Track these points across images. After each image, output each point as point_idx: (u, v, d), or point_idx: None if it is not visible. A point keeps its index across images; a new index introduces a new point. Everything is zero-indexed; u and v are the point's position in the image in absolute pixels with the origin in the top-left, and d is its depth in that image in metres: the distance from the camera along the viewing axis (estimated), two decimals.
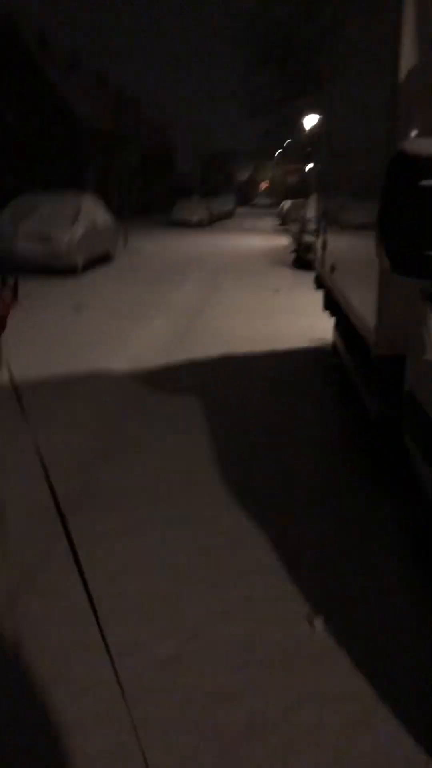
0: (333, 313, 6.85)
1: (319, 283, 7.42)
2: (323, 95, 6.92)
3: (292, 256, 18.46)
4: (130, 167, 22.68)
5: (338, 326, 5.93)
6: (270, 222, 45.26)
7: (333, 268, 5.51)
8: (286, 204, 39.23)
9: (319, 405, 5.57)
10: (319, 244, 7.01)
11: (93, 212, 15.16)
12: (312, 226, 14.94)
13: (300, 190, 47.37)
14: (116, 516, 3.66)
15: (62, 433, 4.71)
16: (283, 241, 25.69)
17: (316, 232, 7.38)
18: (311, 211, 15.52)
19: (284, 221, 37.27)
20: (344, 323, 5.39)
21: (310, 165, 36.96)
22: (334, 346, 6.62)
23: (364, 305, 3.85)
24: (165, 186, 56.20)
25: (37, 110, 36.21)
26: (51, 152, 36.19)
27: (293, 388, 6.04)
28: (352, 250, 4.30)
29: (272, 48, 23.23)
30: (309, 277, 13.59)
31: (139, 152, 22.01)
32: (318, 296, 8.08)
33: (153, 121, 52.37)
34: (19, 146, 34.07)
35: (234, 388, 5.99)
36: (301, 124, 27.51)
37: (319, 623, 2.72)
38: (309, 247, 14.93)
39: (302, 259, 15.43)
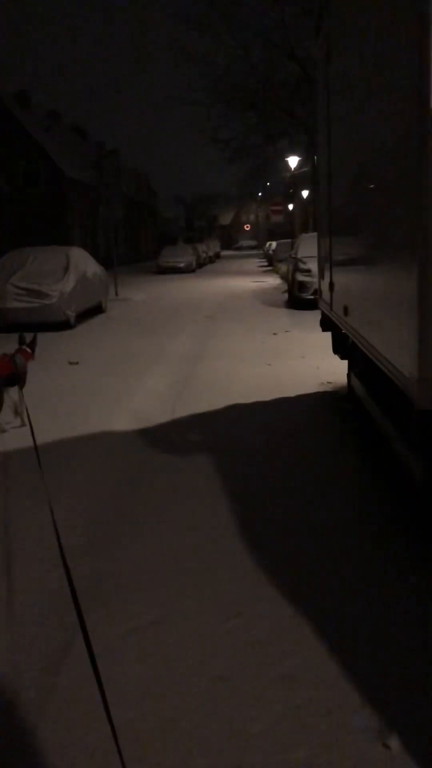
0: (344, 356, 6.51)
1: (326, 326, 7.09)
2: (318, 132, 6.69)
3: (285, 296, 18.29)
4: (115, 217, 22.60)
5: (355, 370, 5.56)
6: (256, 263, 45.57)
7: (347, 311, 5.16)
8: (272, 245, 39.51)
9: (344, 460, 5.14)
10: (324, 286, 6.69)
11: (82, 264, 14.92)
12: (304, 265, 14.81)
13: (284, 230, 47.88)
14: (139, 606, 3.21)
15: (73, 504, 4.29)
16: (272, 281, 25.65)
17: (320, 273, 7.07)
18: (303, 251, 15.39)
19: (271, 262, 37.44)
20: (364, 367, 5.02)
21: (291, 206, 37.36)
22: (350, 390, 6.24)
23: (397, 352, 3.47)
24: (150, 233, 56.67)
25: (21, 166, 36.54)
26: (36, 207, 36.40)
27: (311, 440, 5.63)
28: (377, 291, 3.94)
29: (250, 93, 23.50)
30: (305, 318, 13.41)
31: (123, 202, 22.02)
32: (319, 337, 7.74)
33: (135, 170, 53.10)
34: (4, 202, 34.21)
35: (245, 445, 5.57)
36: (283, 166, 27.77)
37: (395, 743, 2.26)
38: (303, 287, 14.77)
39: (296, 299, 15.21)
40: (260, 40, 21.74)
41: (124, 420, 6.38)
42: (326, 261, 6.40)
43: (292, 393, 7.21)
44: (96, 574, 3.53)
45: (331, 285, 6.10)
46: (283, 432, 5.82)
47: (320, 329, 7.51)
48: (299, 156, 25.74)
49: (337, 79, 5.28)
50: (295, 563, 3.55)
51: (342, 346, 6.35)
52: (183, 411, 6.70)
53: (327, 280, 6.37)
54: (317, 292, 13.89)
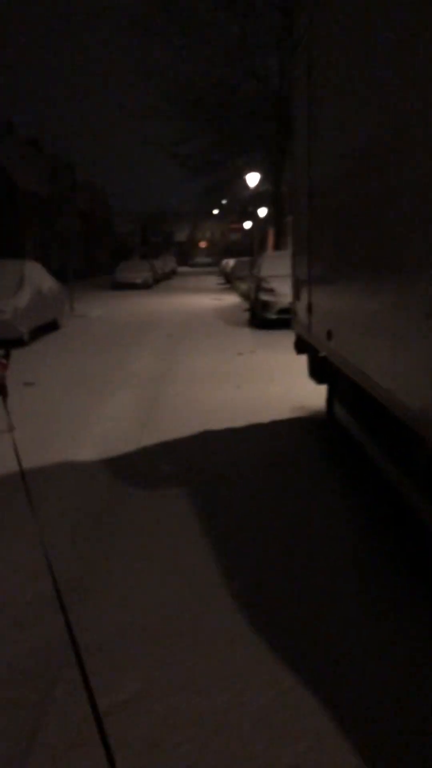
0: (322, 381, 6.20)
1: (301, 348, 6.78)
2: (296, 146, 6.40)
3: (246, 315, 18.04)
4: (69, 231, 22.04)
5: (339, 397, 5.23)
6: (213, 280, 45.40)
7: (330, 335, 4.84)
8: (230, 262, 39.40)
9: (333, 497, 4.78)
10: (300, 307, 6.37)
11: (37, 279, 14.36)
12: (267, 284, 14.58)
13: (241, 248, 47.96)
14: (116, 675, 2.77)
15: (36, 549, 3.80)
16: (232, 299, 25.42)
17: (295, 293, 6.76)
18: (266, 270, 15.18)
19: (229, 279, 37.29)
20: (351, 395, 4.69)
21: (250, 223, 37.38)
22: (330, 417, 5.92)
23: (403, 384, 3.13)
24: (106, 248, 56.03)
25: None
26: None
27: (294, 472, 5.25)
28: (375, 315, 3.61)
29: (210, 109, 23.35)
30: (270, 337, 13.15)
31: (77, 216, 21.46)
32: (288, 358, 7.41)
33: (90, 184, 52.53)
34: None
35: (222, 477, 5.16)
36: (242, 183, 27.67)
37: None
38: (266, 306, 14.54)
39: (260, 319, 14.94)
40: (221, 56, 21.61)
41: (88, 449, 5.91)
42: (304, 281, 6.08)
43: (265, 418, 6.84)
44: (64, 635, 3.06)
45: (310, 307, 5.79)
46: (261, 463, 5.44)
47: (287, 350, 7.20)
48: (259, 174, 25.65)
49: (322, 89, 5.00)
50: (291, 618, 3.16)
51: (321, 371, 6.03)
52: (151, 439, 6.26)
53: (304, 301, 6.06)
54: (282, 311, 13.73)
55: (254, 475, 5.15)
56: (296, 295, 6.64)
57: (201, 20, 21.36)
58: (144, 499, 4.72)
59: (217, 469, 5.33)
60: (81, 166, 49.68)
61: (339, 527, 4.17)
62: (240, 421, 6.77)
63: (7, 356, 6.63)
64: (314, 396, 7.16)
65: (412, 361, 2.98)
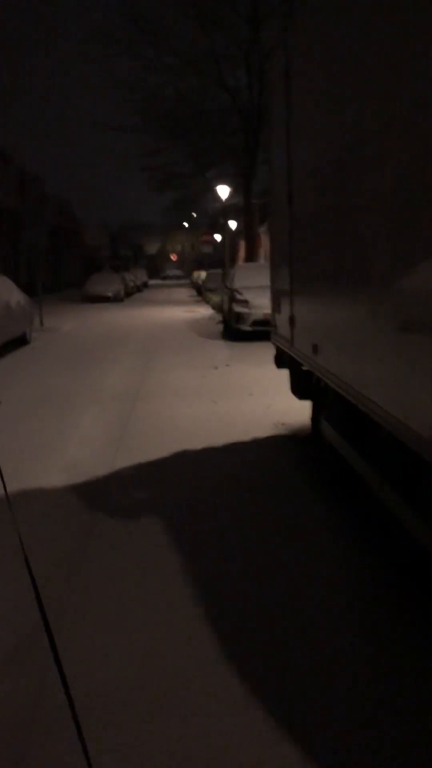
0: (305, 397, 5.92)
1: (282, 363, 6.50)
2: (274, 154, 6.14)
3: (219, 327, 17.76)
4: (38, 244, 21.57)
5: (327, 414, 4.93)
6: (184, 292, 45.15)
7: (316, 349, 4.55)
8: (201, 274, 39.19)
9: (324, 525, 4.46)
10: (280, 320, 6.08)
11: (5, 293, 13.89)
12: (241, 296, 14.34)
13: (212, 260, 47.87)
14: (101, 749, 2.39)
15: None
16: (204, 311, 25.14)
17: (274, 306, 6.47)
18: (239, 282, 14.95)
19: (200, 291, 37.04)
20: (342, 414, 4.39)
21: (219, 236, 37.27)
22: (314, 435, 5.62)
23: (409, 406, 2.84)
24: (75, 261, 55.45)
25: None
26: None
27: (279, 497, 4.93)
28: (371, 329, 3.32)
29: (180, 121, 23.17)
30: (245, 350, 12.89)
31: (46, 229, 21.02)
32: (265, 371, 7.08)
33: (59, 196, 51.98)
34: None
35: (201, 504, 4.81)
36: (212, 196, 27.49)
37: None
38: (240, 318, 14.29)
39: (234, 331, 14.66)
40: (190, 68, 21.45)
41: (57, 473, 5.52)
42: (284, 293, 5.80)
43: (245, 436, 6.52)
44: (24, 701, 2.68)
45: (292, 319, 5.50)
46: (242, 486, 5.10)
47: (262, 362, 6.93)
48: (229, 186, 25.49)
49: (300, 95, 4.75)
50: (284, 674, 2.82)
51: (304, 386, 5.74)
52: (125, 461, 5.89)
53: (285, 314, 5.77)
54: (256, 323, 13.48)
55: (234, 501, 4.80)
56: (276, 308, 6.35)
57: (169, 32, 21.20)
58: (118, 530, 4.35)
59: (195, 494, 4.98)
60: (49, 177, 49.13)
61: (330, 559, 3.86)
62: (218, 439, 6.44)
63: None
64: (295, 412, 6.88)
65: (415, 380, 2.69)
